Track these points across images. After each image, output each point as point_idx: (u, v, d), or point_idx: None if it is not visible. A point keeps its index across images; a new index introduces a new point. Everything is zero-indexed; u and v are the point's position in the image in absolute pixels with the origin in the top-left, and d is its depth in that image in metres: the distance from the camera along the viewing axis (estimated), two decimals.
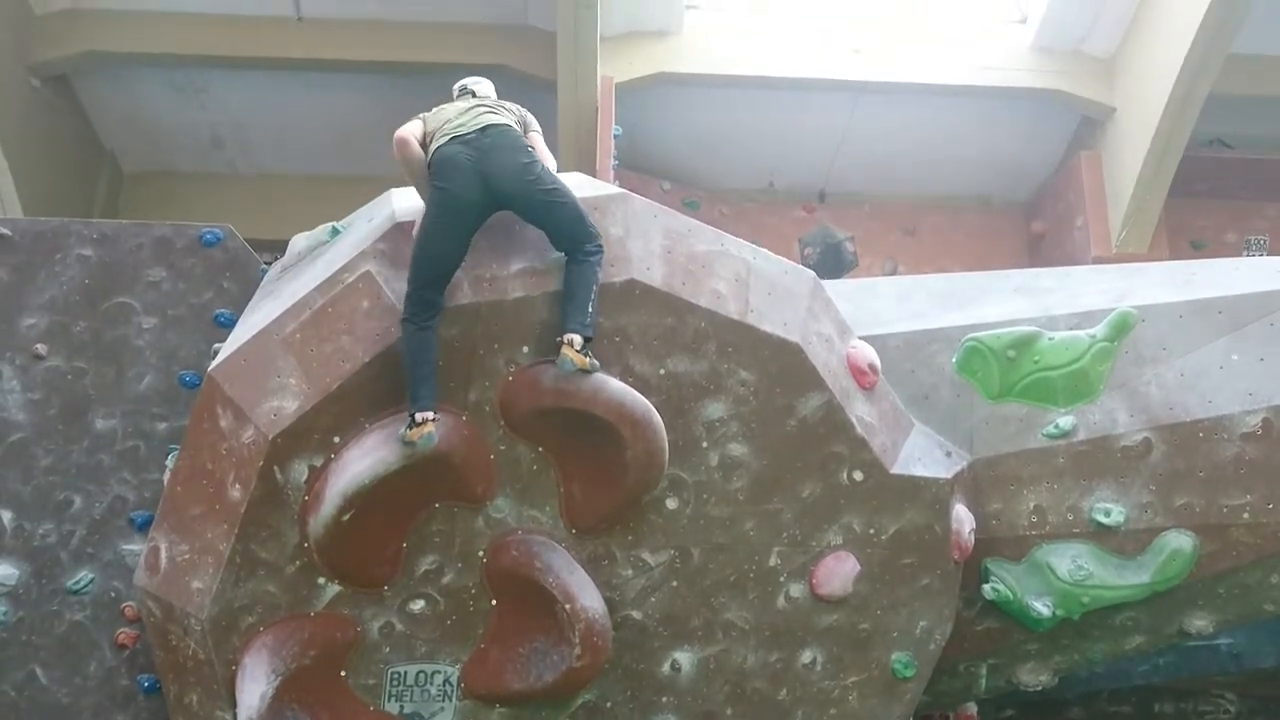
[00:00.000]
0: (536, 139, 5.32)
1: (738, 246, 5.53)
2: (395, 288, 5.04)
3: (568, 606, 5.02)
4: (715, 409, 5.29)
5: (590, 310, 4.93)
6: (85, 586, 5.82)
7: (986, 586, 5.87)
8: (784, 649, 5.56)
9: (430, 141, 5.13)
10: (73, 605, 5.80)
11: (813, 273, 5.75)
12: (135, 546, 5.77)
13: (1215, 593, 5.92)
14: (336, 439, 4.99)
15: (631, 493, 5.14)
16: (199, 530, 5.12)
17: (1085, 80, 12.03)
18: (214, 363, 5.30)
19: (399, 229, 5.19)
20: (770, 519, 5.43)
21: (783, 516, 5.44)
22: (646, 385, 5.14)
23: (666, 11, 11.54)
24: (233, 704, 5.05)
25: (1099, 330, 5.95)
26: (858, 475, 5.46)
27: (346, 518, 4.87)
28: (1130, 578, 5.76)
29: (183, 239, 6.22)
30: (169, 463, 5.70)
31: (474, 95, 5.43)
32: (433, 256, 4.93)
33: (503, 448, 5.16)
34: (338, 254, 5.31)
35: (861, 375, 5.61)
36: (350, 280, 5.08)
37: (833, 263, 11.16)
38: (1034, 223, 13.14)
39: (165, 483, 5.58)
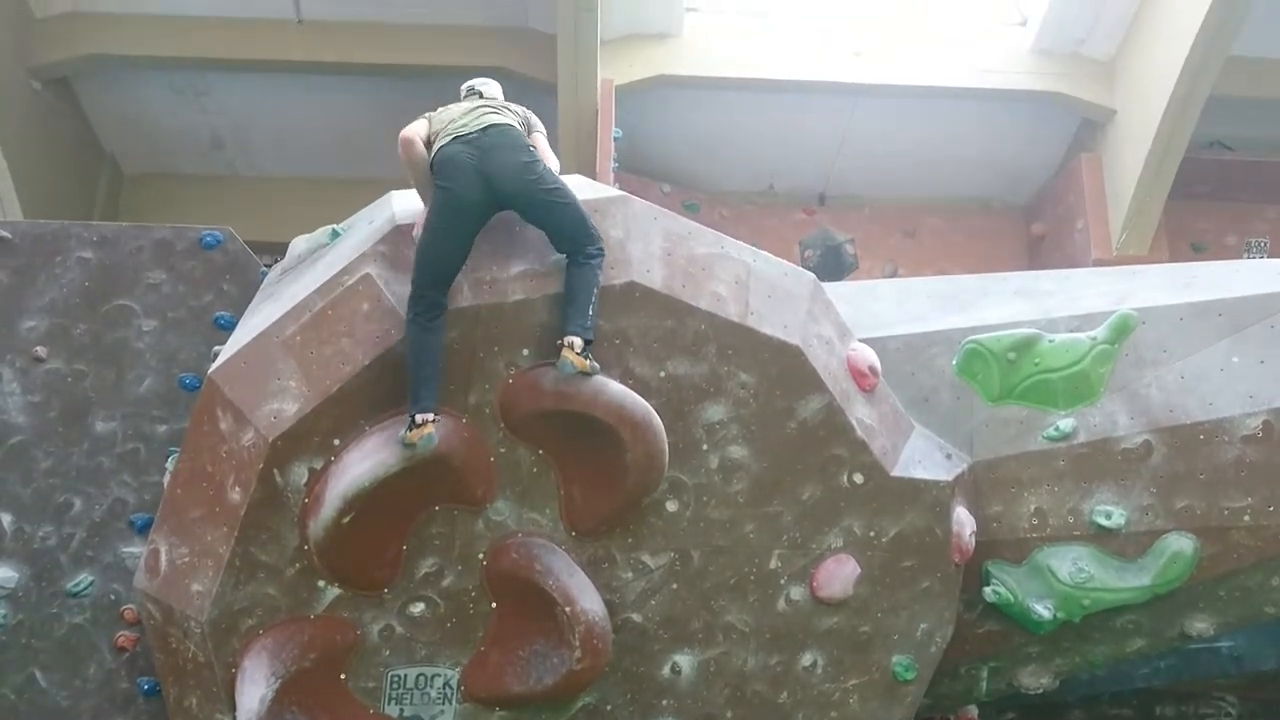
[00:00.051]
0: (540, 140, 5.33)
1: (738, 249, 5.52)
2: (395, 290, 5.04)
3: (568, 609, 5.01)
4: (715, 411, 5.29)
5: (591, 313, 4.93)
6: (85, 589, 5.82)
7: (987, 589, 5.87)
8: (784, 652, 5.55)
9: (434, 141, 5.15)
10: (72, 608, 5.80)
11: (813, 275, 5.75)
12: (135, 549, 5.77)
13: (1216, 595, 5.91)
14: (336, 441, 4.99)
15: (632, 495, 5.14)
16: (199, 533, 5.12)
17: (1085, 82, 12.03)
18: (214, 365, 5.30)
19: (399, 231, 5.20)
20: (770, 522, 5.42)
21: (783, 519, 5.43)
22: (646, 388, 5.14)
23: (666, 14, 11.55)
24: (232, 707, 5.04)
25: (1099, 332, 5.95)
26: (858, 478, 5.46)
27: (346, 520, 4.86)
28: (1131, 580, 5.75)
29: (183, 241, 6.23)
30: (169, 465, 5.70)
31: (481, 96, 5.45)
32: (436, 256, 4.94)
33: (503, 450, 5.16)
34: (338, 256, 5.31)
35: (862, 377, 5.61)
36: (350, 283, 5.08)
37: (833, 265, 11.15)
38: (1034, 225, 13.14)
39: (165, 485, 5.58)
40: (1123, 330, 5.93)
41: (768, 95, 11.98)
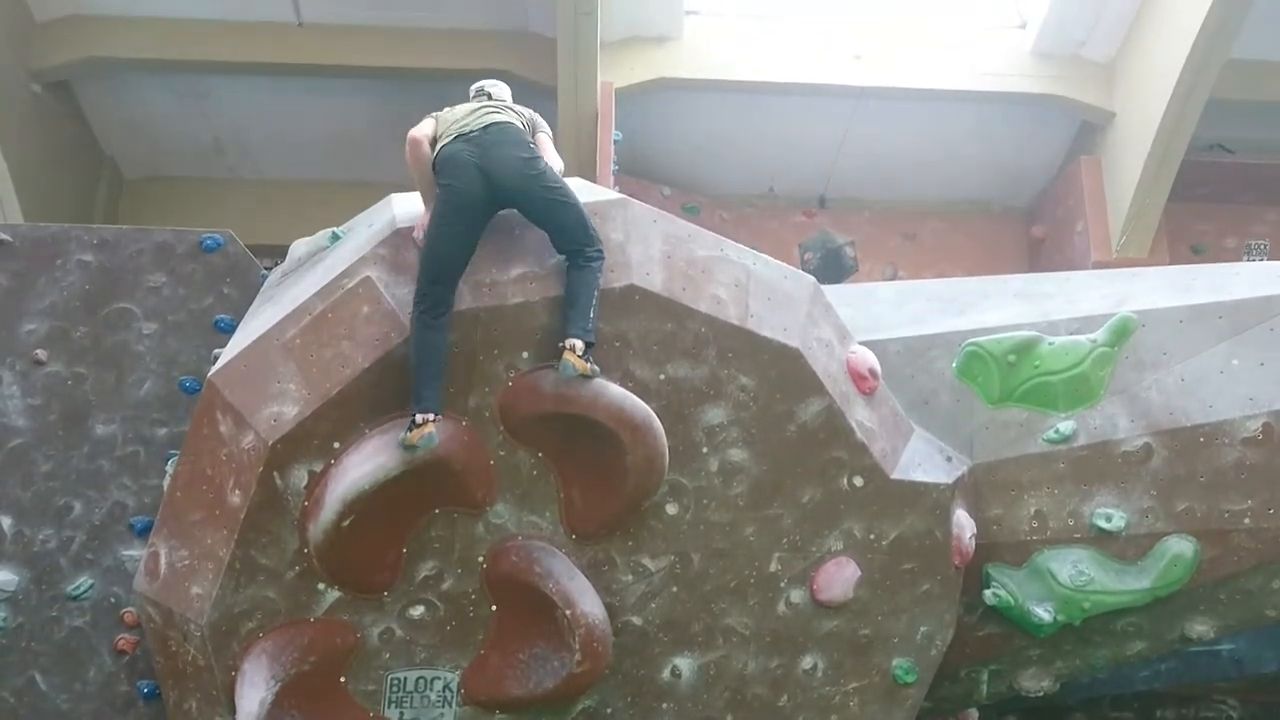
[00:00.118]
0: (545, 141, 5.35)
1: (738, 252, 5.53)
2: (395, 293, 5.05)
3: (568, 612, 5.01)
4: (715, 414, 5.29)
5: (592, 315, 4.93)
6: (85, 592, 5.81)
7: (988, 592, 5.87)
8: (784, 655, 5.55)
9: (439, 140, 5.17)
10: (72, 611, 5.80)
11: (813, 278, 5.75)
12: (135, 552, 5.76)
13: (1216, 598, 5.91)
14: (336, 444, 4.98)
15: (632, 498, 5.14)
16: (199, 536, 5.12)
17: (1085, 85, 12.04)
18: (214, 368, 5.30)
19: (399, 234, 5.20)
20: (770, 524, 5.42)
21: (783, 522, 5.43)
22: (646, 390, 5.14)
23: (666, 17, 11.56)
24: (232, 710, 5.04)
25: (1099, 335, 5.95)
26: (858, 480, 5.46)
27: (346, 523, 4.86)
28: (1131, 583, 5.75)
29: (183, 244, 6.22)
30: (169, 468, 5.69)
31: (490, 98, 5.47)
32: (440, 254, 4.95)
33: (502, 453, 5.15)
34: (338, 259, 5.32)
35: (861, 380, 5.61)
36: (350, 285, 5.08)
37: (833, 268, 11.18)
38: (1034, 227, 13.15)
39: (165, 488, 5.58)
40: (1123, 333, 5.93)
41: (768, 98, 11.99)
